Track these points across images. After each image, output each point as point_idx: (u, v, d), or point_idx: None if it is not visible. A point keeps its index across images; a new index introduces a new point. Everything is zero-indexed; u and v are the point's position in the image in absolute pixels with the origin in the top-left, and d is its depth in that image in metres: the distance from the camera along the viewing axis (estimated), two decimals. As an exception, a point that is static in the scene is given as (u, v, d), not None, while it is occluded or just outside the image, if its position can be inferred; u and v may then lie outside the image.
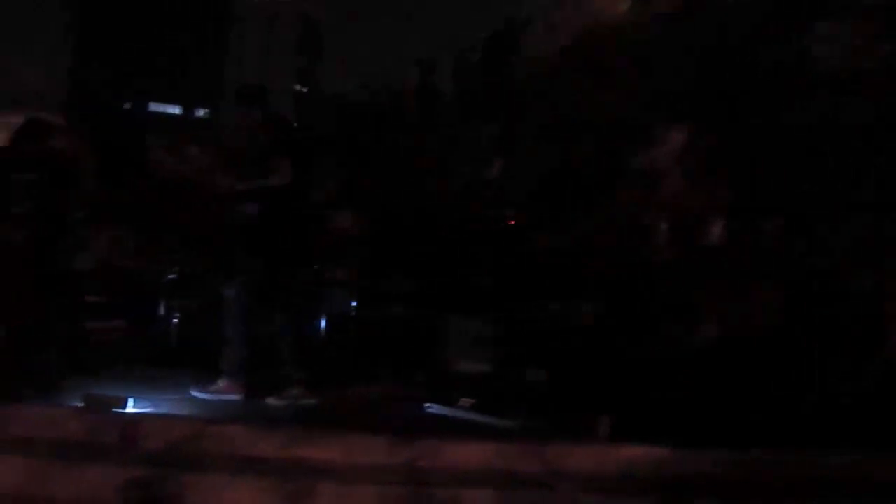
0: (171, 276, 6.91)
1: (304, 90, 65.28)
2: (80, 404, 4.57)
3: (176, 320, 6.76)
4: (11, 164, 5.94)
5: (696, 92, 9.69)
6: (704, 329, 8.21)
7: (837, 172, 7.40)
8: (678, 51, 10.07)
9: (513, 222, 7.05)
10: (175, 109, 79.98)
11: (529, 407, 5.31)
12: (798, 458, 4.25)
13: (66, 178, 6.61)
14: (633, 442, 4.20)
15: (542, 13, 13.29)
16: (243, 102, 5.74)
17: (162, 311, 6.90)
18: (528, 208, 8.75)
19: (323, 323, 6.86)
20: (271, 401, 5.32)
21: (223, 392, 5.33)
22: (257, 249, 5.45)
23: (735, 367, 6.74)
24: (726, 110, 9.24)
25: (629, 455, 4.13)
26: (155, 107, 78.12)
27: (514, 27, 14.32)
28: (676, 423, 4.97)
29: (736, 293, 8.28)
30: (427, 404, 5.22)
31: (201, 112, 74.50)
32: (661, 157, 10.47)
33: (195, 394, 5.28)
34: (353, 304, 7.11)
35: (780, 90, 8.40)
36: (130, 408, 4.58)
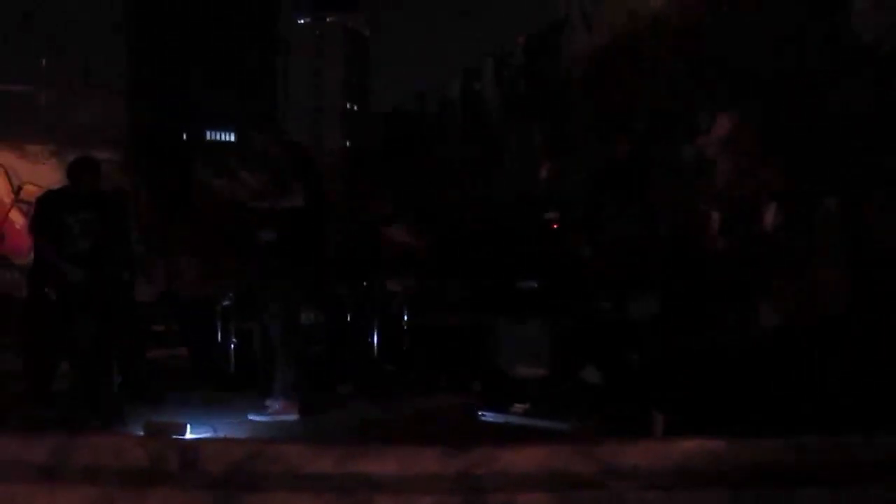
0: (226, 302, 7.02)
1: (354, 107, 65.81)
2: (142, 432, 4.68)
3: (233, 345, 6.88)
4: (65, 204, 6.11)
5: (742, 78, 9.57)
6: (764, 318, 8.09)
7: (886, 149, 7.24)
8: (721, 38, 9.97)
9: (556, 225, 7.01)
10: (230, 136, 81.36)
11: (584, 408, 5.28)
12: (859, 441, 4.16)
13: (123, 213, 6.80)
14: (688, 435, 4.16)
15: (581, 12, 13.30)
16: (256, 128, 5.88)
17: (220, 335, 7.02)
18: (579, 208, 8.73)
19: (377, 333, 6.92)
20: (252, 416, 5.38)
21: (279, 413, 5.40)
22: (309, 266, 5.52)
23: (796, 354, 6.62)
24: (773, 94, 9.11)
25: (685, 448, 4.08)
26: (212, 135, 79.54)
27: (554, 28, 14.32)
28: (736, 415, 4.92)
29: (796, 279, 8.14)
30: (481, 412, 5.23)
31: (256, 138, 75.60)
32: (710, 145, 10.37)
33: (252, 417, 5.36)
34: (405, 313, 7.15)
35: (826, 69, 8.26)
36: (190, 433, 4.67)
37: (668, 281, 7.26)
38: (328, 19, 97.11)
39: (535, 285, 6.79)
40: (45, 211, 6.17)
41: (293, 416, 5.35)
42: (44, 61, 17.41)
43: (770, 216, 9.37)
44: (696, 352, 6.38)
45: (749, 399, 5.45)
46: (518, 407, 5.23)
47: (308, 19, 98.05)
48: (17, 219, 13.66)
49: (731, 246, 9.32)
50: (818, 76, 8.29)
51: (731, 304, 7.57)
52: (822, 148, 8.33)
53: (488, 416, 5.23)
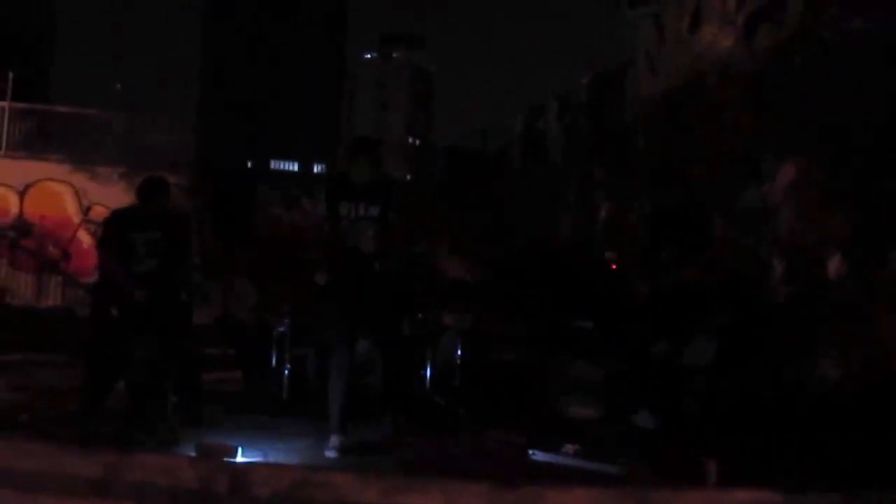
0: (281, 328, 7.09)
1: (417, 141, 66.39)
2: (193, 453, 4.73)
3: (287, 371, 6.93)
4: (133, 223, 6.21)
5: (808, 124, 9.44)
6: (826, 370, 7.91)
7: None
8: (787, 84, 9.86)
9: (614, 266, 6.96)
10: (294, 166, 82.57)
11: (636, 452, 5.20)
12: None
13: (187, 235, 6.91)
14: (743, 485, 4.06)
15: (645, 53, 13.28)
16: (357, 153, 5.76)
17: (274, 361, 7.08)
18: (641, 250, 8.66)
19: (430, 366, 6.91)
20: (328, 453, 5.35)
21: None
22: (363, 300, 5.50)
23: (857, 409, 6.46)
24: (839, 142, 8.96)
25: (739, 499, 3.98)
26: (276, 164, 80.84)
27: (619, 69, 14.32)
28: (792, 466, 4.80)
29: (859, 332, 7.95)
30: (531, 450, 5.18)
31: (318, 168, 76.62)
32: (774, 192, 10.22)
33: (328, 454, 5.29)
34: (459, 350, 7.13)
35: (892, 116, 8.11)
36: (241, 456, 4.71)
37: (727, 327, 7.15)
38: (394, 55, 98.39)
39: (591, 325, 6.74)
40: (114, 228, 6.29)
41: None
42: (118, 86, 17.87)
43: (834, 266, 9.20)
44: (753, 401, 6.27)
45: (806, 451, 5.32)
46: (569, 447, 5.17)
47: (374, 55, 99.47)
48: (85, 238, 14.02)
49: (794, 295, 9.16)
50: (887, 127, 8.14)
51: (792, 355, 7.43)
52: (889, 199, 8.16)
53: (538, 456, 5.17)
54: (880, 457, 5.20)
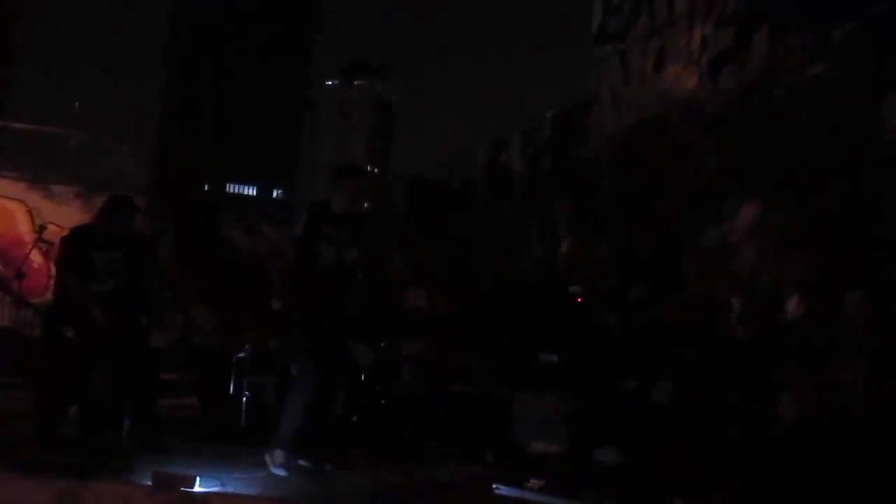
0: (241, 354, 6.96)
1: (377, 170, 66.43)
2: (149, 482, 4.59)
3: (245, 398, 6.79)
4: (94, 241, 6.06)
5: (770, 165, 9.58)
6: (783, 409, 7.96)
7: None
8: (750, 125, 10.01)
9: (580, 299, 6.95)
10: (252, 190, 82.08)
11: (601, 488, 5.15)
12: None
13: (150, 255, 6.75)
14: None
15: (609, 90, 13.43)
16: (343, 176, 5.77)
17: (232, 388, 6.94)
18: (600, 285, 8.68)
19: (390, 399, 6.83)
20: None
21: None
22: (327, 327, 5.44)
23: (815, 448, 6.50)
24: (801, 183, 9.10)
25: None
26: (233, 187, 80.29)
27: (584, 105, 14.45)
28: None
29: (816, 372, 8.02)
30: (495, 485, 5.10)
31: (277, 193, 76.31)
32: (736, 230, 10.33)
33: (275, 471, 5.22)
34: (420, 378, 7.06)
35: (855, 162, 8.25)
36: (198, 486, 4.58)
37: (686, 365, 7.17)
38: (356, 83, 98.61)
39: (556, 359, 6.71)
40: (74, 246, 6.13)
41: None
42: (77, 104, 17.62)
43: (792, 306, 9.29)
44: (710, 439, 6.28)
45: (766, 490, 5.33)
46: (534, 482, 5.10)
47: (337, 82, 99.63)
48: (38, 258, 13.71)
49: (752, 334, 9.22)
50: (850, 168, 8.28)
51: (750, 394, 7.46)
52: (850, 241, 8.28)
53: (503, 490, 5.10)
54: (839, 497, 5.23)
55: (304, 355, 5.52)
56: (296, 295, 5.76)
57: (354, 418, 6.18)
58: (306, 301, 5.52)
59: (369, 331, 7.02)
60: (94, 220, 6.39)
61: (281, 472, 5.21)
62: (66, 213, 14.92)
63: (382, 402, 6.86)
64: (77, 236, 6.22)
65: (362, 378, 6.74)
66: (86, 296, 5.87)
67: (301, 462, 5.37)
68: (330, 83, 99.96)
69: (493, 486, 5.17)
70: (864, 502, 5.22)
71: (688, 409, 6.68)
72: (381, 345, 7.06)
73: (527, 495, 5.06)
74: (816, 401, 7.82)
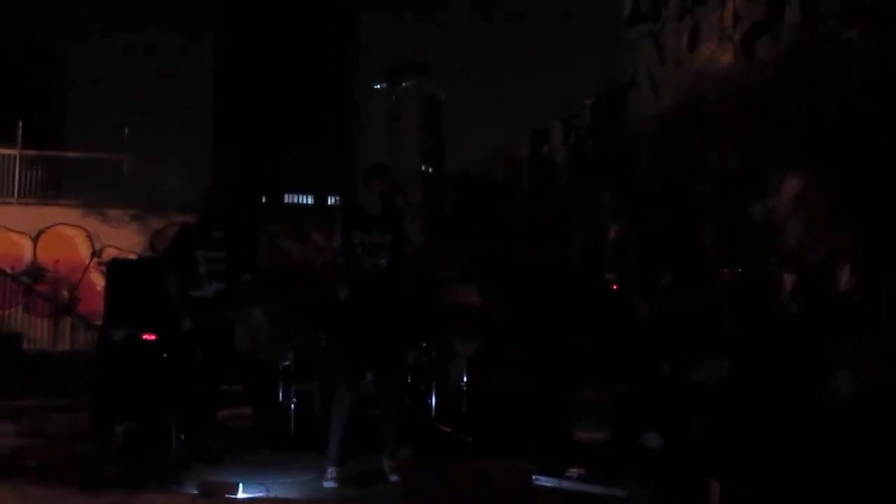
0: (286, 363, 7.09)
1: (429, 169, 66.64)
2: (195, 491, 4.74)
3: (293, 405, 6.93)
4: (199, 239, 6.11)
5: (812, 137, 9.41)
6: (841, 385, 7.83)
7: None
8: (788, 97, 9.83)
9: (615, 286, 6.94)
10: (308, 199, 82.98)
11: (642, 474, 5.16)
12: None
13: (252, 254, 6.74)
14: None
15: (645, 72, 13.29)
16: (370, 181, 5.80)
17: (281, 396, 7.08)
18: (644, 271, 8.63)
19: (435, 394, 6.91)
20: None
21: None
22: (357, 329, 5.51)
23: (871, 421, 6.40)
24: (846, 154, 8.92)
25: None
26: (290, 198, 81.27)
27: (621, 89, 14.34)
28: (802, 488, 4.76)
29: (871, 344, 7.88)
30: (535, 476, 5.14)
31: (332, 200, 76.98)
32: (780, 206, 10.17)
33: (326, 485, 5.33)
34: (465, 374, 7.12)
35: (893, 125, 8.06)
36: (242, 492, 4.71)
37: (738, 346, 7.11)
38: (404, 84, 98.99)
39: (596, 347, 6.72)
40: (177, 246, 6.12)
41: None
42: (126, 130, 18.06)
43: (844, 279, 9.13)
44: (768, 419, 6.21)
45: (818, 471, 5.27)
46: (573, 471, 5.14)
47: (384, 84, 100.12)
48: (97, 280, 14.12)
49: (804, 309, 9.09)
50: (889, 136, 8.10)
51: (805, 370, 7.37)
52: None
53: (542, 481, 5.14)
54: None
55: (342, 365, 5.61)
56: (338, 303, 5.83)
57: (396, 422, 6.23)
58: (342, 307, 5.60)
59: (411, 331, 7.09)
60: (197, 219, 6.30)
61: (331, 485, 5.31)
62: (122, 236, 15.39)
63: (428, 401, 6.95)
64: (182, 234, 6.24)
65: (408, 379, 6.83)
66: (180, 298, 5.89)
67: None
68: (378, 86, 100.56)
69: (534, 477, 5.22)
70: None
71: (741, 389, 6.63)
72: (423, 344, 7.14)
73: (566, 484, 5.10)
74: (873, 374, 7.69)
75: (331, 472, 5.33)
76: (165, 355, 6.02)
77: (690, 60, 12.25)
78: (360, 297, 5.43)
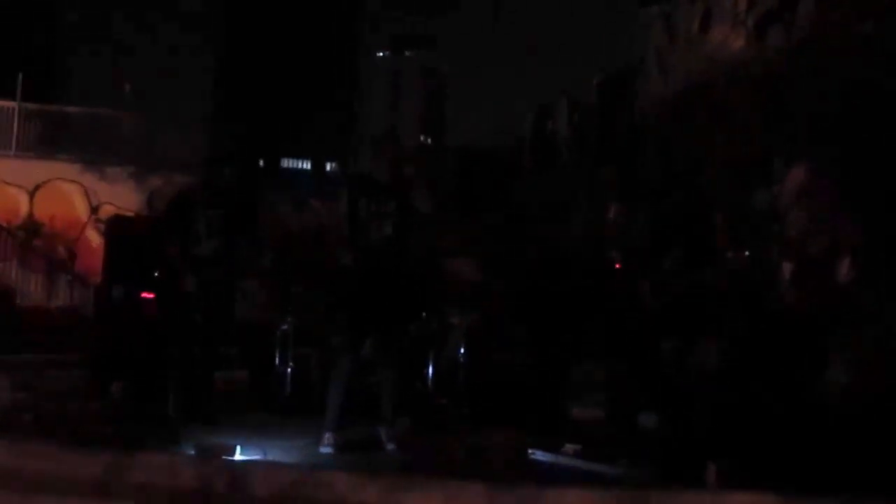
0: (284, 327, 7.08)
1: (429, 140, 66.40)
2: (193, 452, 4.73)
3: (290, 370, 6.92)
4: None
5: (820, 127, 9.38)
6: (834, 374, 7.85)
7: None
8: (797, 86, 9.79)
9: (618, 265, 6.92)
10: (306, 165, 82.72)
11: (638, 453, 5.17)
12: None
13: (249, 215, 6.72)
14: (742, 488, 4.02)
15: (656, 54, 13.22)
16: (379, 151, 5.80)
17: (278, 361, 7.07)
18: (647, 252, 8.61)
19: (432, 368, 6.90)
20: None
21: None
22: (361, 296, 5.50)
23: (861, 414, 6.41)
24: (852, 145, 8.90)
25: (736, 501, 3.95)
26: (287, 162, 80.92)
27: (629, 70, 14.27)
28: (792, 471, 4.77)
29: (869, 336, 7.89)
30: (531, 450, 5.15)
31: (330, 167, 76.73)
32: (785, 194, 10.16)
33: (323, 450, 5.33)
34: (462, 347, 7.11)
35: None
36: (240, 455, 4.71)
37: (733, 330, 7.11)
38: (406, 54, 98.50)
39: (596, 325, 6.71)
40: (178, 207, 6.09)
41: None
42: (128, 86, 17.93)
43: (844, 269, 9.13)
44: (762, 407, 6.22)
45: (810, 455, 5.28)
46: (569, 447, 5.15)
47: (387, 54, 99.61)
48: (94, 238, 14.08)
49: (803, 298, 9.10)
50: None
51: (803, 360, 7.37)
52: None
53: (538, 455, 5.14)
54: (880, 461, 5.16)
55: (342, 333, 5.60)
56: (341, 269, 5.82)
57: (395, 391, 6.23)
58: (350, 275, 5.58)
59: (413, 301, 7.08)
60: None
61: (328, 451, 5.33)
62: (120, 193, 15.29)
63: (425, 371, 6.95)
64: (180, 195, 6.20)
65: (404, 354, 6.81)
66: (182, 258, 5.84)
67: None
68: (381, 55, 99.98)
69: (530, 451, 5.22)
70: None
71: (737, 374, 6.63)
72: (423, 314, 7.12)
73: (562, 460, 5.11)
74: (870, 365, 7.71)
75: (328, 437, 5.33)
76: (166, 314, 5.99)
77: (701, 44, 12.18)
78: (364, 265, 5.42)
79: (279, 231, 12.98)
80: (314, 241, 12.21)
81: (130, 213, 13.46)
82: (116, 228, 7.38)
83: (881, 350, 7.74)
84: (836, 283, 9.04)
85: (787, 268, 9.68)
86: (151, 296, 6.34)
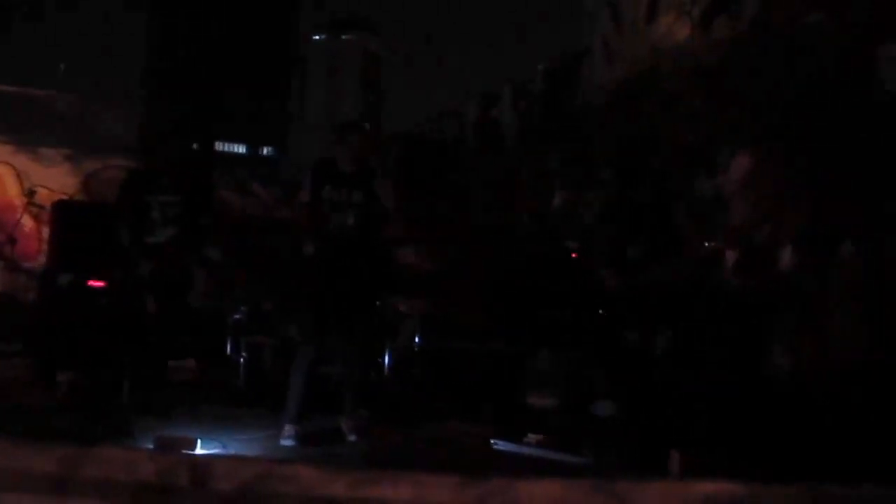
0: (237, 316, 6.95)
1: (367, 126, 65.90)
2: (152, 446, 4.61)
3: (243, 359, 6.80)
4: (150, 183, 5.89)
5: (764, 117, 9.53)
6: (776, 361, 8.02)
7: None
8: (743, 75, 9.94)
9: (575, 255, 6.95)
10: (241, 149, 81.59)
11: (600, 442, 5.21)
12: (882, 494, 4.06)
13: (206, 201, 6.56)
14: (707, 477, 4.06)
15: (602, 42, 13.30)
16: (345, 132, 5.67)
17: (229, 349, 6.95)
18: (594, 239, 8.67)
19: (388, 358, 6.85)
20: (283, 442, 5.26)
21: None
22: (324, 287, 5.42)
23: (814, 398, 6.56)
24: (794, 134, 9.07)
25: (704, 491, 3.98)
26: (222, 146, 79.68)
27: (575, 58, 14.34)
28: (752, 458, 4.84)
29: (810, 323, 8.07)
30: (494, 440, 5.15)
31: (265, 151, 75.82)
32: (729, 182, 10.32)
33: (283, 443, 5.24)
34: (417, 336, 7.07)
35: (848, 112, 8.20)
36: (200, 449, 4.61)
37: (681, 318, 7.20)
38: (344, 38, 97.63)
39: (553, 314, 6.73)
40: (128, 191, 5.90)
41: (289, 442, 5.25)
42: (62, 66, 17.40)
43: (786, 258, 9.32)
44: (706, 392, 6.32)
45: (755, 443, 5.38)
46: (532, 437, 5.16)
47: (325, 37, 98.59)
48: (28, 222, 13.63)
49: (746, 286, 9.27)
50: (840, 117, 8.25)
51: (745, 346, 7.51)
52: (843, 192, 8.28)
53: (501, 445, 5.15)
54: (831, 445, 5.28)
55: (306, 321, 5.52)
56: (301, 258, 5.72)
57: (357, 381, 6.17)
58: (313, 265, 5.49)
59: (374, 292, 7.00)
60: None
61: (289, 444, 5.23)
62: (55, 176, 14.82)
63: (379, 361, 6.89)
64: (132, 179, 6.02)
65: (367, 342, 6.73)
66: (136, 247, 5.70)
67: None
68: (317, 38, 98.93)
69: (492, 441, 5.22)
70: (860, 450, 5.28)
71: (683, 362, 6.71)
72: (378, 304, 7.06)
73: (525, 450, 5.12)
74: (810, 351, 7.89)
75: (288, 430, 5.24)
76: (116, 303, 5.82)
77: (647, 33, 12.29)
78: (327, 254, 5.34)
79: (225, 216, 12.77)
80: (266, 228, 12.03)
81: (66, 196, 13.08)
82: (63, 213, 7.15)
83: (823, 334, 7.94)
84: (778, 270, 9.22)
85: (730, 255, 9.85)
86: (101, 284, 6.17)
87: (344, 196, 5.39)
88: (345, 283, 5.35)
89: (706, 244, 8.22)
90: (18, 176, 15.02)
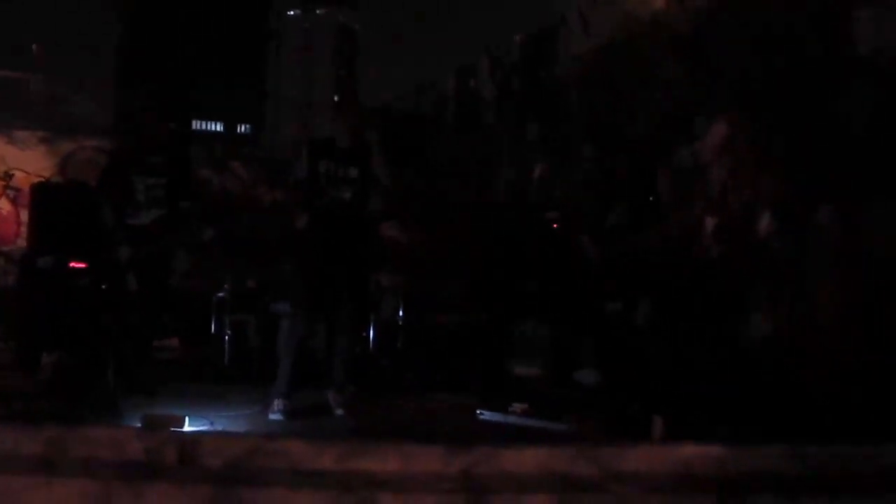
0: (220, 294, 6.96)
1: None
2: (139, 424, 4.63)
3: (227, 336, 6.82)
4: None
5: (739, 83, 9.57)
6: (754, 327, 8.11)
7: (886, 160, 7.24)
8: (718, 43, 9.95)
9: (556, 225, 6.99)
10: (218, 126, 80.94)
11: (583, 409, 5.28)
12: (858, 452, 4.15)
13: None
14: (689, 440, 4.14)
15: (578, 13, 13.26)
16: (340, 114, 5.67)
17: (213, 328, 6.97)
18: (574, 209, 8.71)
19: (373, 331, 6.88)
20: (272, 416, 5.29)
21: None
22: (319, 261, 5.43)
23: (794, 361, 6.65)
24: (770, 101, 9.11)
25: (685, 454, 4.06)
26: (199, 124, 79.00)
27: (551, 28, 14.30)
28: (734, 421, 4.93)
29: (788, 288, 8.16)
30: (479, 411, 5.21)
31: (243, 128, 75.23)
32: (706, 150, 10.37)
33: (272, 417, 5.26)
34: (401, 311, 7.11)
35: (824, 78, 8.25)
36: (188, 426, 4.63)
37: (662, 286, 7.27)
38: (318, 12, 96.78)
39: (534, 284, 6.78)
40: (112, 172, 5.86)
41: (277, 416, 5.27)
42: (35, 47, 17.19)
43: (764, 224, 9.41)
44: (688, 358, 6.40)
45: (739, 406, 5.46)
46: (516, 406, 5.22)
47: (298, 12, 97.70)
48: (5, 205, 13.52)
49: (725, 253, 9.34)
50: (816, 84, 8.29)
51: (723, 312, 7.60)
52: (819, 157, 8.34)
53: (486, 416, 5.21)
54: (811, 407, 5.38)
55: (298, 295, 5.54)
56: (294, 233, 5.71)
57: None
58: (308, 241, 5.49)
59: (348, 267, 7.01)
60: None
61: (278, 418, 5.25)
62: (31, 159, 14.68)
63: (364, 334, 6.93)
64: (115, 160, 5.99)
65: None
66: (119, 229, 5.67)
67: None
68: (292, 13, 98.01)
69: (477, 411, 5.28)
70: (840, 414, 5.37)
71: (664, 330, 6.79)
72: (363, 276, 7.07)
73: (510, 420, 5.18)
74: (790, 316, 7.99)
75: (277, 404, 5.27)
76: (100, 284, 5.81)
77: (623, 2, 12.26)
78: (321, 230, 5.35)
79: (206, 195, 12.71)
80: (249, 206, 12.00)
81: (43, 178, 12.98)
82: (41, 196, 7.11)
83: (799, 301, 8.03)
84: (756, 237, 9.30)
85: (709, 222, 9.91)
86: (82, 265, 6.15)
87: (341, 171, 5.39)
88: (340, 257, 5.38)
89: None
90: (-7, 158, 14.90)
